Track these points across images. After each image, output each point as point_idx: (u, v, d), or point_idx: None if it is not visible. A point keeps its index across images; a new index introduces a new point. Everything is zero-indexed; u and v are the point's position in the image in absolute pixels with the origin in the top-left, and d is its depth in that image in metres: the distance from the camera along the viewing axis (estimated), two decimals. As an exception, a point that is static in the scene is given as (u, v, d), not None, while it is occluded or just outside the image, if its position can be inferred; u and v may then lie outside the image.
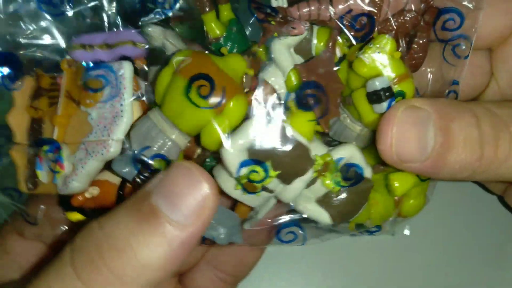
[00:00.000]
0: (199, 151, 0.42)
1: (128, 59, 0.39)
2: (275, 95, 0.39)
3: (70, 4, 0.39)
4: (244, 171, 0.36)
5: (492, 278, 0.60)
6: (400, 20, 0.39)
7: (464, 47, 0.43)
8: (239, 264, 0.52)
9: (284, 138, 0.37)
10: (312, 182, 0.41)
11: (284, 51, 0.39)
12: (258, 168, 0.36)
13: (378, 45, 0.39)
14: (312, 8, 0.38)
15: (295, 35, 0.38)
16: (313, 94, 0.36)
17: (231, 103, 0.36)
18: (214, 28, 0.42)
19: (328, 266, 0.61)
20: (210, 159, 0.42)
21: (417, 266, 0.57)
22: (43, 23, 0.40)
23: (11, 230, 0.45)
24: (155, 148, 0.37)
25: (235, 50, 0.42)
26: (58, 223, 0.43)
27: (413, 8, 0.39)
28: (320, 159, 0.40)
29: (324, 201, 0.41)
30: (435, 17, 0.42)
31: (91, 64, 0.39)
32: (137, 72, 0.39)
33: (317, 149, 0.41)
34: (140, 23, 0.39)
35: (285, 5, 0.39)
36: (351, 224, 0.45)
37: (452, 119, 0.38)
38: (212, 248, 0.51)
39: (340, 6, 0.38)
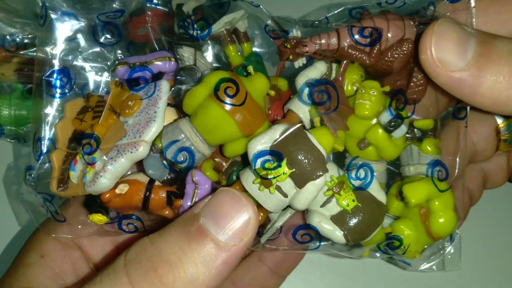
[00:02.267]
0: (226, 165, 0.45)
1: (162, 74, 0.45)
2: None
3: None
4: (262, 162, 0.39)
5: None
6: (399, 49, 0.44)
7: None
8: None
9: (305, 143, 0.40)
10: (327, 200, 0.42)
11: None
12: (273, 158, 0.39)
13: (368, 88, 0.44)
14: (323, 41, 0.44)
15: (307, 52, 0.43)
16: (325, 90, 0.40)
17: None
18: (235, 57, 0.48)
19: (327, 266, 0.63)
20: (237, 168, 0.45)
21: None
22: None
23: (47, 235, 0.46)
24: (181, 142, 0.41)
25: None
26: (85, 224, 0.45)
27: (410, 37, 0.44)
28: (335, 178, 0.42)
29: (339, 220, 0.42)
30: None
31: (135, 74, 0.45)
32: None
33: (333, 171, 0.43)
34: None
35: (300, 35, 0.45)
36: (366, 251, 0.45)
37: (495, 37, 0.38)
38: (239, 269, 0.52)
39: (347, 41, 0.44)
